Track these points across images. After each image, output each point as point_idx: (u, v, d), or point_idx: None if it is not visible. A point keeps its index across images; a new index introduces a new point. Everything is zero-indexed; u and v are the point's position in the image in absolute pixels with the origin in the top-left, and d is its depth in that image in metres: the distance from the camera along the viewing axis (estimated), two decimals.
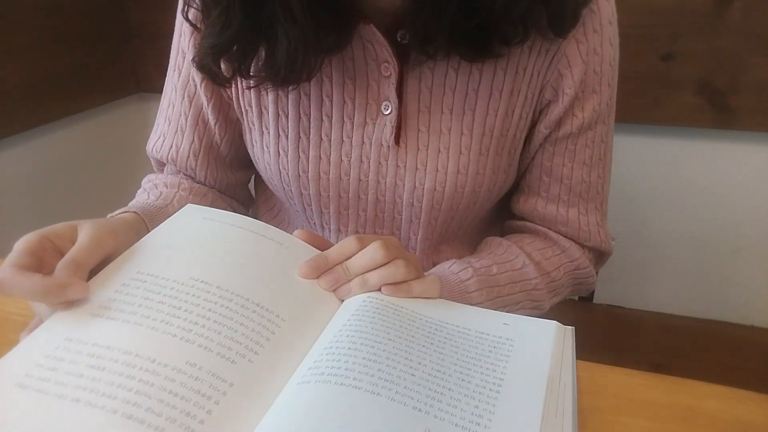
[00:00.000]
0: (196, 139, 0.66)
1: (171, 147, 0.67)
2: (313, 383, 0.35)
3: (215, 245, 0.46)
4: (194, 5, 0.55)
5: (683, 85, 1.28)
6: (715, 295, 1.48)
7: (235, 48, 0.53)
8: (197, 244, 0.46)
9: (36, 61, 1.36)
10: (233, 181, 0.71)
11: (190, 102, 0.64)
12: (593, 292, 1.59)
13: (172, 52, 0.66)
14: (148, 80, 1.65)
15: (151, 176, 0.70)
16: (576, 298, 1.61)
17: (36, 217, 1.44)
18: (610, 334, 1.54)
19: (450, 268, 0.59)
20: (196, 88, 0.64)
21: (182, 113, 0.65)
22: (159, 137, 0.68)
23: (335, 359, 0.37)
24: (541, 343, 0.42)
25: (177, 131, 0.66)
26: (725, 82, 1.26)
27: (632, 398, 0.44)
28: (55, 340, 0.36)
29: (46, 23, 1.37)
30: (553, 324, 0.44)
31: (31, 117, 1.38)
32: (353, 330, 0.40)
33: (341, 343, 0.39)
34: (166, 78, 0.67)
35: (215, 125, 0.65)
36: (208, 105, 0.64)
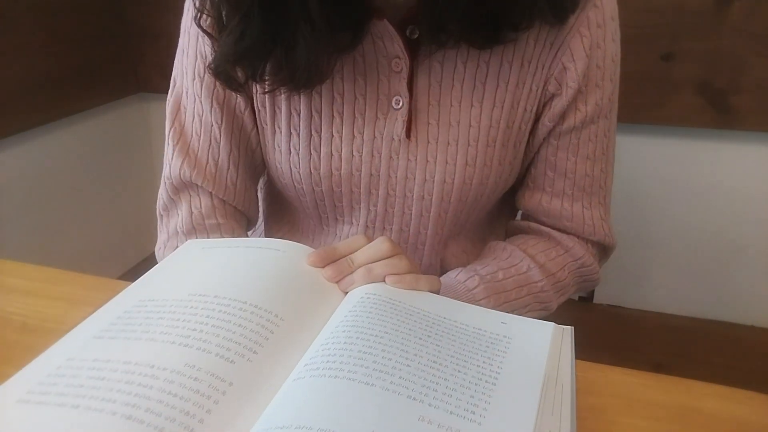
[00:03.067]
0: (233, 148, 0.63)
1: (207, 162, 0.62)
2: (308, 378, 0.35)
3: (213, 264, 0.48)
4: (207, 12, 0.55)
5: (683, 85, 1.28)
6: (715, 295, 1.49)
7: (252, 55, 0.53)
8: (196, 268, 0.47)
9: (36, 61, 1.36)
10: (254, 197, 0.69)
11: (221, 108, 0.61)
12: (593, 292, 1.59)
13: (184, 59, 0.62)
14: (148, 80, 1.65)
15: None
16: (576, 297, 1.61)
17: (36, 217, 1.44)
18: (610, 334, 1.54)
19: (457, 277, 0.60)
20: (225, 93, 0.61)
21: (213, 123, 0.62)
22: (186, 156, 0.63)
23: (330, 354, 0.37)
24: (539, 342, 0.42)
25: (210, 144, 0.62)
26: (725, 82, 1.26)
27: (632, 398, 0.44)
28: (57, 361, 0.37)
29: (46, 23, 1.37)
30: (550, 325, 0.44)
31: (31, 117, 1.38)
32: (350, 325, 0.40)
33: (337, 338, 0.39)
34: (177, 93, 0.63)
35: (251, 130, 0.63)
36: (244, 110, 0.61)
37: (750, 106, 1.26)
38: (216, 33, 0.55)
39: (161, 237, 0.67)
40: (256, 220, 0.73)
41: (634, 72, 1.28)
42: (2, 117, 1.30)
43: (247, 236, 0.70)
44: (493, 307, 0.58)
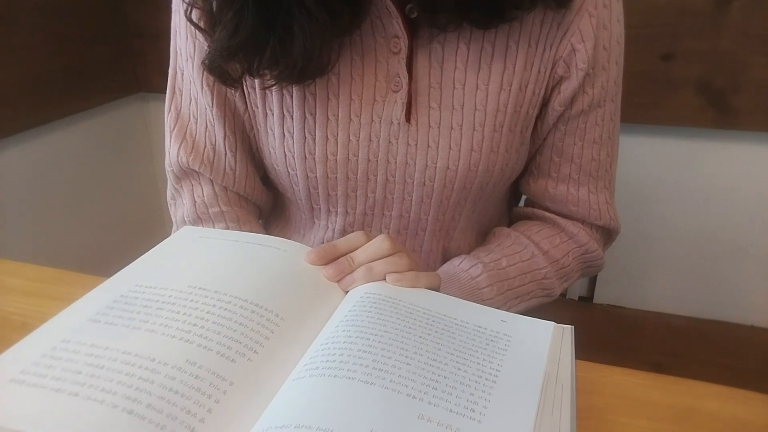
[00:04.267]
0: (228, 133, 0.62)
1: (205, 147, 0.62)
2: (308, 377, 0.35)
3: (212, 257, 0.47)
4: (198, 6, 0.54)
5: (683, 85, 1.28)
6: (715, 295, 1.48)
7: (247, 49, 0.52)
8: (195, 257, 0.47)
9: (36, 61, 1.36)
10: (258, 185, 0.68)
11: (212, 91, 0.60)
12: (593, 292, 1.59)
13: (178, 40, 0.61)
14: (148, 80, 1.65)
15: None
16: (576, 297, 1.61)
17: (36, 217, 1.44)
18: (610, 334, 1.54)
19: (460, 265, 0.60)
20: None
21: (206, 105, 0.60)
22: (183, 141, 0.62)
23: (330, 353, 0.37)
24: (538, 341, 0.42)
25: (207, 127, 0.62)
26: (725, 82, 1.26)
27: (632, 398, 0.44)
28: (51, 341, 0.36)
29: (46, 23, 1.37)
30: (550, 324, 0.44)
31: (31, 117, 1.38)
32: (350, 324, 0.40)
33: (337, 337, 0.39)
34: (172, 76, 0.63)
35: (244, 114, 0.62)
36: (235, 92, 0.60)
37: (750, 106, 1.26)
38: (208, 27, 0.54)
39: (173, 227, 0.67)
40: (268, 207, 0.72)
41: (634, 72, 1.28)
42: (2, 117, 1.30)
43: (258, 223, 0.70)
44: (497, 295, 0.58)
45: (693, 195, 1.41)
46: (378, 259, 0.48)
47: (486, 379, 0.37)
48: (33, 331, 0.38)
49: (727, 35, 1.22)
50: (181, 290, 0.41)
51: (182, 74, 0.62)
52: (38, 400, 0.31)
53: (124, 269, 0.45)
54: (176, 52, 0.62)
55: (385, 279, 0.47)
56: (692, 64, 1.26)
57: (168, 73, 0.64)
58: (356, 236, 0.49)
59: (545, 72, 0.58)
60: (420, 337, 0.40)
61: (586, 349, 0.48)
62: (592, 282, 1.58)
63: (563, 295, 1.62)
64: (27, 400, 0.32)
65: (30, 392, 0.32)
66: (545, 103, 0.61)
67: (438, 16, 0.52)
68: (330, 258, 0.48)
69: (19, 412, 0.31)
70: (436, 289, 0.49)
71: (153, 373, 0.33)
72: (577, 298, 1.61)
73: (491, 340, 0.41)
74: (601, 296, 1.58)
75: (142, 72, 1.64)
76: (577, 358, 0.42)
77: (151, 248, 0.49)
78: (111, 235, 1.67)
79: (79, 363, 0.34)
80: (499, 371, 0.38)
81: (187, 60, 0.61)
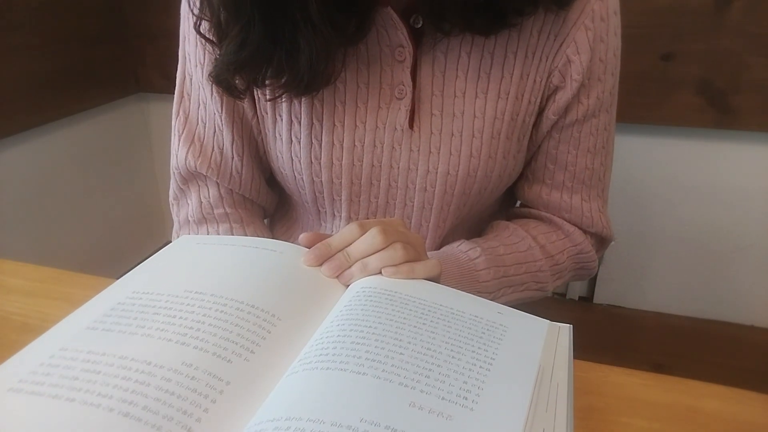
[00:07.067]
0: (236, 138, 0.63)
1: (213, 150, 0.63)
2: (301, 372, 0.35)
3: (209, 262, 0.47)
4: (206, 18, 0.55)
5: (683, 85, 1.28)
6: (715, 295, 1.48)
7: (254, 63, 0.53)
8: (191, 263, 0.47)
9: (36, 61, 1.36)
10: (264, 187, 0.69)
11: (221, 96, 0.61)
12: (593, 292, 1.59)
13: (186, 46, 0.62)
14: (148, 80, 1.65)
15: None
16: (576, 297, 1.61)
17: (36, 217, 1.44)
18: (610, 334, 1.54)
19: (459, 247, 0.61)
20: None
21: (216, 111, 0.62)
22: (191, 145, 0.63)
23: (324, 347, 0.37)
24: (533, 336, 0.42)
25: (215, 132, 0.63)
26: (725, 82, 1.26)
27: (632, 398, 0.44)
28: (49, 350, 0.36)
29: (46, 23, 1.37)
30: (545, 322, 0.44)
31: (31, 117, 1.38)
32: (344, 318, 0.41)
33: (331, 332, 0.39)
34: (181, 81, 0.64)
35: (252, 119, 0.63)
36: (243, 99, 0.61)
37: (750, 106, 1.26)
38: (216, 38, 0.55)
39: (174, 226, 0.68)
40: (272, 208, 0.73)
41: (634, 72, 1.28)
42: (2, 117, 1.30)
43: (263, 223, 0.70)
44: (493, 278, 0.59)
45: (693, 195, 1.41)
46: (373, 253, 0.48)
47: (480, 366, 0.37)
48: (32, 334, 0.38)
49: (727, 35, 1.22)
50: (178, 295, 0.41)
51: (191, 79, 0.63)
52: (35, 408, 0.32)
53: (121, 278, 0.45)
54: (185, 57, 0.63)
55: (381, 273, 0.47)
56: (692, 64, 1.26)
57: (171, 74, 0.65)
58: (350, 230, 0.49)
59: (541, 81, 0.60)
60: (415, 327, 0.40)
61: (586, 349, 0.48)
62: (592, 282, 1.58)
63: (563, 295, 1.63)
64: (24, 408, 0.32)
65: (27, 400, 0.32)
66: (540, 112, 0.62)
67: (444, 23, 0.53)
68: (326, 257, 0.48)
69: (17, 421, 0.31)
70: (436, 277, 0.49)
71: (149, 376, 0.33)
72: (577, 298, 1.61)
73: (487, 329, 0.41)
74: (601, 296, 1.58)
75: (142, 72, 1.64)
76: (576, 358, 0.42)
77: (150, 248, 0.49)
78: (111, 235, 1.67)
79: (75, 370, 0.34)
80: (494, 359, 0.38)
81: (197, 66, 0.62)
